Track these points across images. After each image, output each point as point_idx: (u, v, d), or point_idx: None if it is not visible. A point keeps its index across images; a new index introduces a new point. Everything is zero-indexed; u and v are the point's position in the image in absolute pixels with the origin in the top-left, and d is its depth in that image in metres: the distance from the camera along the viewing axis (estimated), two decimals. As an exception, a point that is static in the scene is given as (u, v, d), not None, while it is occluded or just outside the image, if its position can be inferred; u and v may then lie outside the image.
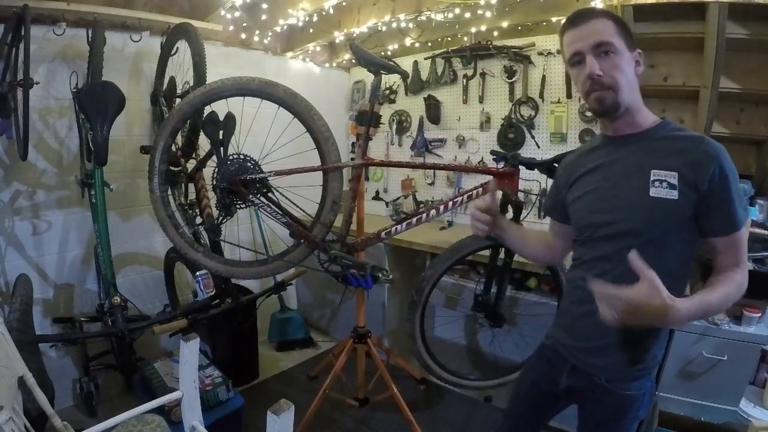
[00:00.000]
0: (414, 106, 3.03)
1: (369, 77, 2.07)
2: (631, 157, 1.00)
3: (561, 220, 1.21)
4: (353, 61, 3.15)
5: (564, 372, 1.15)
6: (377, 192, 3.25)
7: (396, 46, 2.84)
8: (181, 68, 2.15)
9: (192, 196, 2.09)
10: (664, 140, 0.97)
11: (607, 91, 0.95)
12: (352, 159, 1.72)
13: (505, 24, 2.35)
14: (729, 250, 0.95)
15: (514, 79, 2.55)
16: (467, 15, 2.33)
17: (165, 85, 2.26)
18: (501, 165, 1.72)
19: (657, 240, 0.96)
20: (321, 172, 1.63)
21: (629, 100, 0.97)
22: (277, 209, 1.66)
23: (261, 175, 1.60)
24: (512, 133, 2.57)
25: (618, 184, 1.02)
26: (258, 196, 1.63)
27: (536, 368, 1.30)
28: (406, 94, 3.05)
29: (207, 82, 1.71)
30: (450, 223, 2.79)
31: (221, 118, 1.65)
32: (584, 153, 1.13)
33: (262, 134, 1.72)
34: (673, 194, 0.92)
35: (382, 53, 2.90)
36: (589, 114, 2.30)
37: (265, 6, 2.48)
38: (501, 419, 1.40)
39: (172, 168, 1.86)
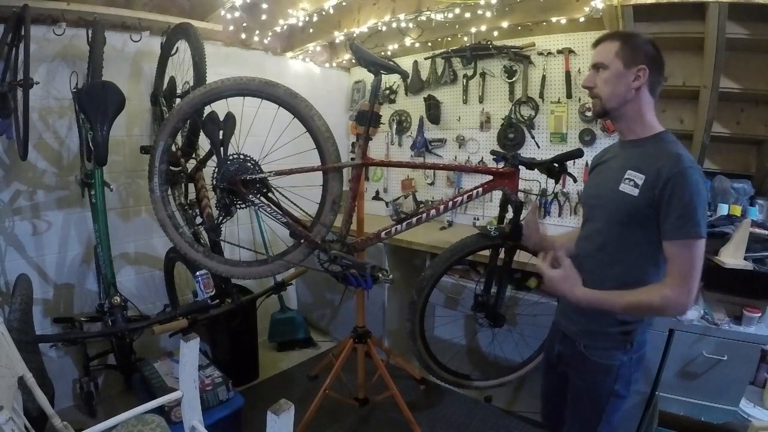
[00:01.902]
0: (414, 106, 3.03)
1: (369, 77, 2.06)
2: (623, 158, 1.20)
3: None
4: (353, 61, 3.16)
5: (558, 339, 1.37)
6: (377, 192, 3.24)
7: (396, 46, 2.84)
8: (181, 68, 2.15)
9: (192, 196, 2.09)
10: (649, 150, 1.14)
11: (596, 100, 1.20)
12: (352, 159, 1.71)
13: (505, 24, 2.35)
14: (673, 259, 1.08)
15: (514, 79, 2.55)
16: (467, 15, 2.33)
17: (165, 85, 2.26)
18: (501, 165, 1.72)
19: (619, 230, 1.16)
20: (321, 172, 1.63)
21: (615, 107, 1.17)
22: (277, 209, 1.66)
23: (261, 175, 1.60)
24: (512, 133, 2.58)
25: (605, 178, 1.23)
26: (258, 196, 1.63)
27: (546, 342, 1.55)
28: (406, 94, 3.06)
29: (207, 82, 1.70)
30: (450, 223, 2.80)
31: (221, 118, 1.65)
32: (607, 149, 1.35)
33: (262, 134, 1.72)
34: (635, 192, 1.11)
35: (382, 53, 2.90)
36: (588, 114, 2.32)
37: (265, 6, 2.48)
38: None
39: (172, 168, 1.86)
